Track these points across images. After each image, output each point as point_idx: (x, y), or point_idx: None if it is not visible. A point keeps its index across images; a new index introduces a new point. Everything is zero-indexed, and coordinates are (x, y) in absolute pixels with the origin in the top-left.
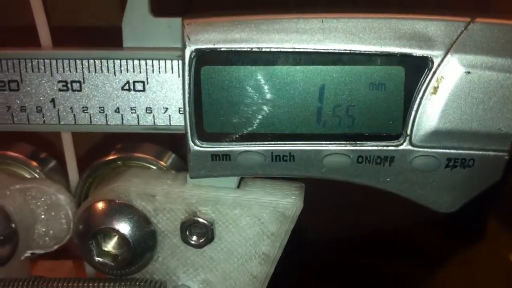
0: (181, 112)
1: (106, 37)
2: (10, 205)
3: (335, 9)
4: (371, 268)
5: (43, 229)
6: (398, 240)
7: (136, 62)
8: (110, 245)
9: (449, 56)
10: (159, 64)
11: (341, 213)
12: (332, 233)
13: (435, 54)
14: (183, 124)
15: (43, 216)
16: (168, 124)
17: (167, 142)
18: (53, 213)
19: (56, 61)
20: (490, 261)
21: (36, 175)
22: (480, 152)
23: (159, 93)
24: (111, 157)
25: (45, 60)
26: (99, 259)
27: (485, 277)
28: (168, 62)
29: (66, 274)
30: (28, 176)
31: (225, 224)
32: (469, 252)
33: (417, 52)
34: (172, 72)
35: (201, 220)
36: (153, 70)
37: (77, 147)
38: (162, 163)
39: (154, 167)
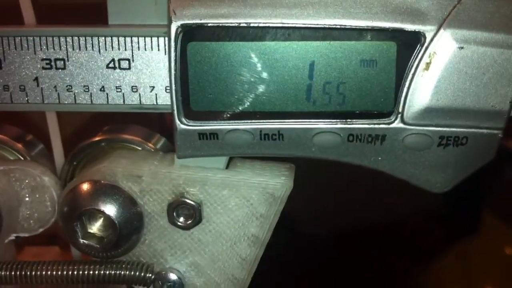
0: (167, 90)
1: (92, 14)
2: None
3: None
4: (366, 262)
5: (28, 212)
6: (394, 233)
7: (121, 39)
8: (96, 227)
9: (441, 31)
10: (144, 41)
11: (335, 207)
12: (326, 227)
13: (427, 29)
14: (169, 103)
15: (27, 199)
16: (155, 103)
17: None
18: (37, 195)
19: (40, 38)
20: (486, 254)
21: (21, 157)
22: (473, 130)
23: (145, 71)
24: (97, 139)
25: (28, 37)
26: (84, 241)
27: (481, 270)
28: (154, 39)
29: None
30: (12, 158)
31: (213, 206)
32: (465, 245)
33: (409, 27)
34: (159, 50)
35: (188, 201)
36: (138, 47)
37: (63, 129)
38: (150, 145)
39: (142, 149)
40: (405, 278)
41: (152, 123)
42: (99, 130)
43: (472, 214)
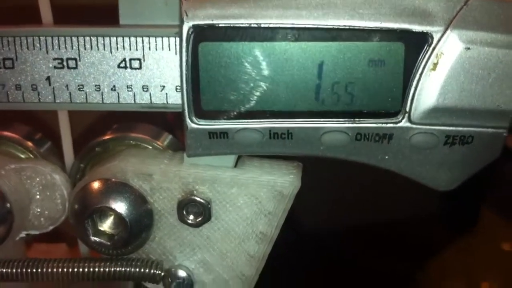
0: (178, 90)
1: (108, 15)
2: (5, 184)
3: None
4: (364, 259)
5: (38, 210)
6: (392, 230)
7: (132, 39)
8: (106, 225)
9: (448, 31)
10: (155, 41)
11: (336, 207)
12: (327, 228)
13: (435, 30)
14: (180, 102)
15: (38, 197)
16: (165, 102)
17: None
18: (48, 193)
19: (52, 38)
20: (485, 250)
21: (32, 156)
22: (479, 129)
23: (155, 70)
24: (107, 137)
25: (40, 37)
26: (95, 238)
27: (480, 265)
28: (165, 39)
29: (61, 257)
30: (23, 156)
31: (222, 203)
32: (464, 241)
33: (417, 27)
34: (169, 50)
35: (198, 199)
36: (149, 47)
37: (73, 128)
38: (159, 143)
39: (151, 147)
40: (405, 275)
41: (154, 119)
42: (108, 128)
43: (471, 210)
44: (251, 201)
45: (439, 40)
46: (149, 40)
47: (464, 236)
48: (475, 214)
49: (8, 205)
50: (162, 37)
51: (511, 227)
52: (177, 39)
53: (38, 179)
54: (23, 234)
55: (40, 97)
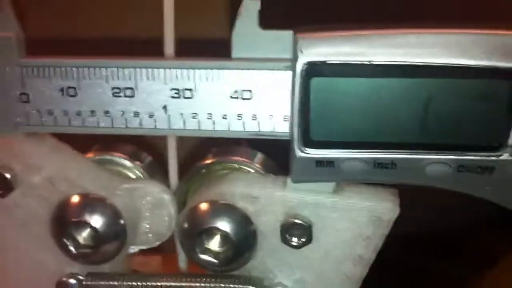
0: (285, 119)
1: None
2: (121, 203)
3: (444, 24)
4: (421, 269)
5: (147, 226)
6: (449, 239)
7: (244, 72)
8: (213, 243)
9: None
10: (266, 74)
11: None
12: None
13: None
14: (287, 130)
15: (147, 214)
16: (273, 130)
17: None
18: (157, 212)
19: (170, 70)
20: None
21: (140, 175)
22: None
23: (265, 101)
24: (211, 160)
25: (160, 69)
26: (203, 256)
27: None
28: (276, 72)
29: (157, 268)
30: (133, 176)
31: (323, 227)
32: None
33: None
34: (278, 82)
35: (300, 222)
36: (260, 79)
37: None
38: (257, 165)
39: (251, 170)
40: (459, 282)
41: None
42: (207, 152)
43: None
44: (350, 226)
45: None
46: (259, 73)
47: None
48: None
49: (123, 222)
50: (272, 70)
51: None
52: (287, 72)
53: (148, 198)
54: (131, 249)
55: (156, 123)
